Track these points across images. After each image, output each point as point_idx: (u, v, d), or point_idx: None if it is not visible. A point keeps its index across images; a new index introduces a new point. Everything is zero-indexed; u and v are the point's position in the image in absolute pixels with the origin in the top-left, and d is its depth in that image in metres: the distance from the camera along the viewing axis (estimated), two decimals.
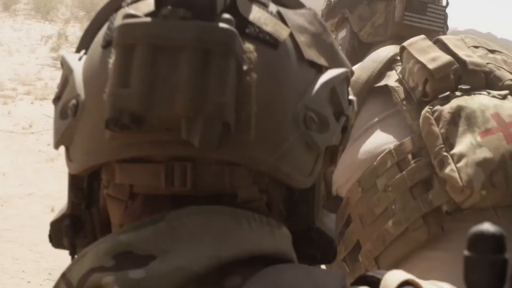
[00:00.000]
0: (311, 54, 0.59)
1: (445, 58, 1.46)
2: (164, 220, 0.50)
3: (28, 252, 4.01)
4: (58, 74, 7.24)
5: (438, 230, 1.45)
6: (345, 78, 0.62)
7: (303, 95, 0.57)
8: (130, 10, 0.54)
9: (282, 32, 0.57)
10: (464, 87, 1.44)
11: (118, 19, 0.57)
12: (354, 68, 1.25)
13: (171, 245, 0.49)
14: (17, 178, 5.30)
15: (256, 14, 0.56)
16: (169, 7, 0.49)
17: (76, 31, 12.66)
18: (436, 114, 1.43)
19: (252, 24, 0.55)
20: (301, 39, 0.59)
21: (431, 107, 1.45)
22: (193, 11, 0.49)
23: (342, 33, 1.92)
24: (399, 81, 1.55)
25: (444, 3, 1.97)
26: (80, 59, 0.62)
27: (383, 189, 1.46)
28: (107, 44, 0.57)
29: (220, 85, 0.48)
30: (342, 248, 1.55)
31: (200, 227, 0.50)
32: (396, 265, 1.39)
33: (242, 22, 0.54)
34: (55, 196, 4.97)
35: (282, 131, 0.55)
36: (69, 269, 0.51)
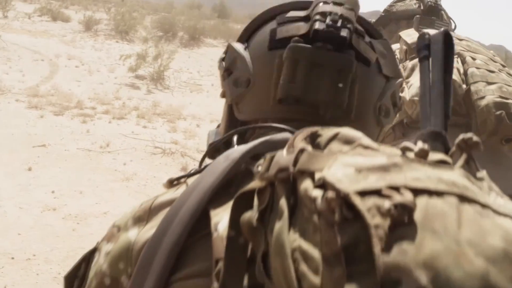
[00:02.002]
0: (386, 70, 0.98)
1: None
2: None
3: None
4: (135, 94, 7.48)
5: (400, 135, 2.53)
6: (399, 83, 1.01)
7: (379, 94, 0.97)
8: (284, 30, 0.94)
9: (372, 56, 0.96)
10: None
11: (279, 33, 0.95)
12: None
13: None
14: (93, 196, 5.39)
15: (360, 44, 0.94)
16: (320, 43, 0.90)
17: (154, 51, 12.88)
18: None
19: (358, 52, 0.93)
20: (381, 61, 0.98)
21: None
22: (334, 46, 0.89)
23: None
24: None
25: (453, 26, 3.01)
26: (245, 49, 0.99)
27: None
28: (271, 49, 0.95)
29: (344, 88, 0.90)
30: None
31: None
32: None
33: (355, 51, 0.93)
34: None
35: (367, 114, 0.96)
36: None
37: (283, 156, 0.62)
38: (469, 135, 0.60)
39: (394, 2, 3.11)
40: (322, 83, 0.87)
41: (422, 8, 2.96)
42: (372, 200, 0.52)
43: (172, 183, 0.88)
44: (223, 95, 1.04)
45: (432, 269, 0.48)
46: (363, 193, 0.53)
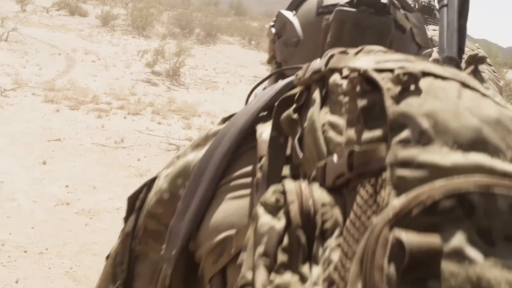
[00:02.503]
0: (418, 39, 1.07)
1: None
2: None
3: None
4: (151, 90, 7.50)
5: None
6: (429, 53, 1.09)
7: None
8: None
9: (407, 25, 1.06)
10: None
11: (326, 1, 1.05)
12: None
13: None
14: (106, 192, 5.41)
15: (397, 14, 1.04)
16: (364, 7, 1.00)
17: (171, 48, 12.89)
18: None
19: (395, 19, 1.03)
20: (414, 30, 1.07)
21: None
22: (376, 10, 1.00)
23: None
24: None
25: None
26: (294, 15, 1.10)
27: None
28: (318, 14, 1.05)
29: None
30: None
31: None
32: None
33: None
34: None
35: None
36: None
37: (317, 62, 0.77)
38: (476, 52, 0.78)
39: None
40: (364, 42, 0.85)
41: (417, 7, 3.15)
42: (386, 74, 0.64)
43: (225, 121, 0.98)
44: (270, 60, 1.17)
45: (433, 119, 0.58)
46: (379, 70, 0.65)
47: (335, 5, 1.03)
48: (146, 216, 0.96)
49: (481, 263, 0.49)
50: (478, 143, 0.57)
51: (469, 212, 0.51)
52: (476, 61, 0.80)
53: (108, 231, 4.58)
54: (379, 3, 1.02)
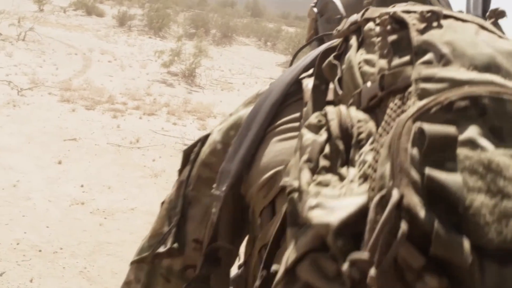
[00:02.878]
0: (443, 3, 1.10)
1: None
2: None
3: (126, 267, 4.02)
4: (167, 90, 7.52)
5: None
6: None
7: None
8: None
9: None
10: None
11: None
12: None
13: None
14: (121, 192, 5.42)
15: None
16: None
17: (187, 48, 12.91)
18: None
19: None
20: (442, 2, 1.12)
21: None
22: None
23: None
24: None
25: None
26: None
27: None
28: None
29: None
30: None
31: None
32: None
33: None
34: (156, 213, 5.03)
35: None
36: None
37: (353, 16, 0.86)
38: (497, 7, 0.86)
39: None
40: None
41: None
42: (413, 14, 0.76)
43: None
44: (309, 38, 1.29)
45: (452, 46, 0.69)
46: (407, 12, 0.77)
47: None
48: (200, 165, 1.04)
49: (491, 151, 0.58)
50: (491, 67, 0.67)
51: (481, 112, 0.60)
52: (496, 14, 0.86)
53: (122, 231, 4.58)
54: None
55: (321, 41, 1.19)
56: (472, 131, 0.58)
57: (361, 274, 0.56)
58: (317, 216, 0.62)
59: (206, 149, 1.05)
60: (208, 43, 18.93)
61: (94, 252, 4.19)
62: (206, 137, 1.08)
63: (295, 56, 1.22)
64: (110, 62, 12.91)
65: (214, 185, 0.97)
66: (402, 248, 0.53)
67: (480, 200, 0.55)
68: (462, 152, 0.57)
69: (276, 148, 0.92)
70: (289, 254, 0.66)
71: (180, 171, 1.09)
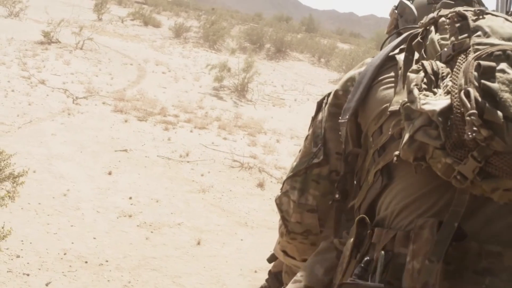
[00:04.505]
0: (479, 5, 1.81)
1: None
2: None
3: (170, 284, 4.05)
4: (218, 104, 7.51)
5: None
6: None
7: None
8: None
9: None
10: None
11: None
12: None
13: None
14: (169, 206, 5.42)
15: None
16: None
17: (240, 62, 12.95)
18: None
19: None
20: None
21: None
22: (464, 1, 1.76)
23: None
24: None
25: None
26: (411, 3, 1.86)
27: None
28: (429, 3, 1.79)
29: None
30: None
31: None
32: None
33: None
34: (203, 229, 5.02)
35: None
36: None
37: (431, 14, 1.37)
38: None
39: None
40: None
41: None
42: (470, 12, 1.27)
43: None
44: (389, 31, 1.93)
45: (490, 28, 1.23)
46: (466, 10, 1.29)
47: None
48: (329, 106, 1.63)
49: None
50: (511, 38, 1.21)
51: (506, 57, 1.14)
52: None
53: (168, 247, 4.58)
54: None
55: (399, 34, 1.70)
56: (503, 65, 1.13)
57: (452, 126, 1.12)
58: (427, 107, 1.14)
59: (331, 96, 1.64)
60: (261, 57, 18.98)
61: (139, 266, 4.19)
62: (329, 94, 1.67)
63: (383, 44, 1.78)
64: (164, 73, 13.05)
65: (340, 117, 1.53)
66: (470, 113, 1.06)
67: (506, 95, 1.08)
68: (498, 74, 1.11)
69: (382, 94, 1.47)
70: (408, 131, 1.18)
71: (314, 118, 1.68)
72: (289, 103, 12.85)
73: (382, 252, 1.26)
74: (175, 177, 6.28)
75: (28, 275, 3.78)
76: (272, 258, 2.23)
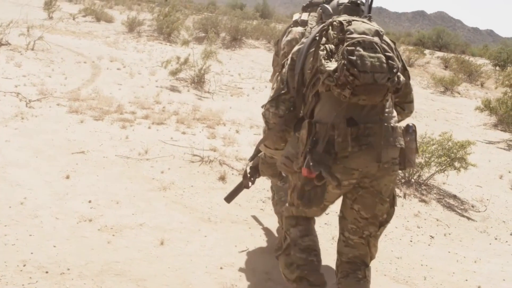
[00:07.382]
0: (366, 12, 3.52)
1: None
2: None
3: None
4: (176, 98, 7.39)
5: None
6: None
7: None
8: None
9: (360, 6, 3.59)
10: None
11: (340, 1, 3.59)
12: None
13: None
14: (129, 207, 5.33)
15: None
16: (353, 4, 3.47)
17: (195, 53, 12.83)
18: None
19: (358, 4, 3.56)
20: (362, 7, 3.48)
21: None
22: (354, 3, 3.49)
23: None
24: None
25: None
26: (327, 4, 3.64)
27: None
28: (338, 5, 3.53)
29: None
30: None
31: None
32: None
33: None
34: (165, 228, 4.95)
35: None
36: None
37: (340, 11, 3.45)
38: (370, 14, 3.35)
39: None
40: (352, 14, 3.35)
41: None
42: (345, 20, 3.05)
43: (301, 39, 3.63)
44: (316, 21, 3.62)
45: (354, 27, 2.99)
46: (344, 20, 3.07)
47: (343, 3, 3.42)
48: (289, 64, 3.30)
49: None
50: (365, 32, 3.01)
51: (359, 43, 2.86)
52: (369, 18, 3.23)
53: (130, 249, 4.51)
54: (356, 2, 3.36)
55: (322, 23, 3.22)
56: (358, 47, 2.80)
57: None
58: (328, 68, 2.82)
59: (289, 60, 3.29)
60: (217, 47, 18.84)
61: (102, 272, 4.11)
62: (288, 58, 3.32)
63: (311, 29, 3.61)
64: (119, 69, 12.86)
65: (294, 70, 3.22)
66: (344, 69, 2.78)
67: (359, 62, 2.75)
68: (356, 52, 2.77)
69: (311, 59, 3.08)
70: (322, 78, 2.89)
71: (280, 71, 3.36)
72: (247, 91, 12.80)
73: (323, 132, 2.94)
74: (134, 176, 6.19)
75: None
76: (244, 176, 4.57)
